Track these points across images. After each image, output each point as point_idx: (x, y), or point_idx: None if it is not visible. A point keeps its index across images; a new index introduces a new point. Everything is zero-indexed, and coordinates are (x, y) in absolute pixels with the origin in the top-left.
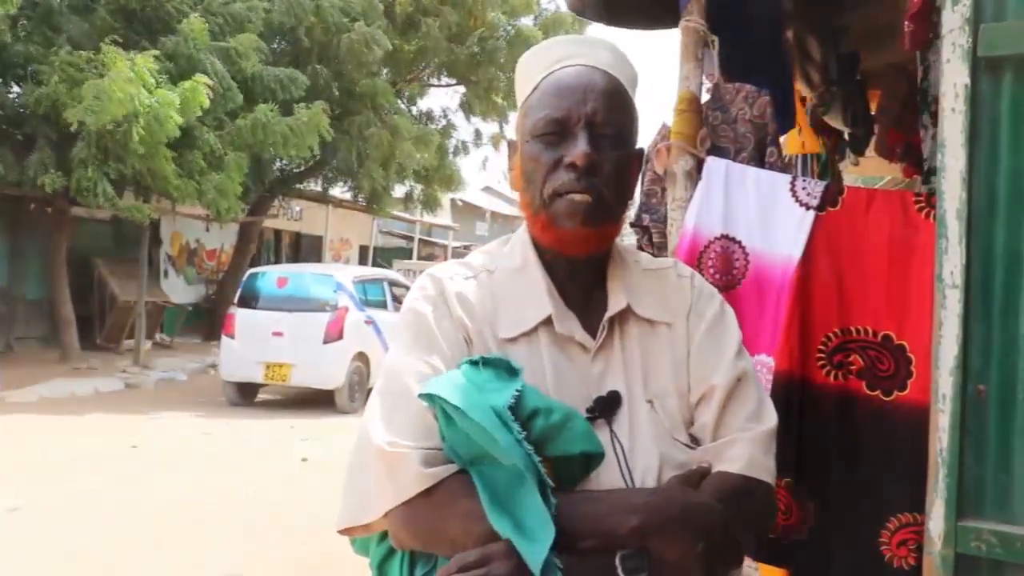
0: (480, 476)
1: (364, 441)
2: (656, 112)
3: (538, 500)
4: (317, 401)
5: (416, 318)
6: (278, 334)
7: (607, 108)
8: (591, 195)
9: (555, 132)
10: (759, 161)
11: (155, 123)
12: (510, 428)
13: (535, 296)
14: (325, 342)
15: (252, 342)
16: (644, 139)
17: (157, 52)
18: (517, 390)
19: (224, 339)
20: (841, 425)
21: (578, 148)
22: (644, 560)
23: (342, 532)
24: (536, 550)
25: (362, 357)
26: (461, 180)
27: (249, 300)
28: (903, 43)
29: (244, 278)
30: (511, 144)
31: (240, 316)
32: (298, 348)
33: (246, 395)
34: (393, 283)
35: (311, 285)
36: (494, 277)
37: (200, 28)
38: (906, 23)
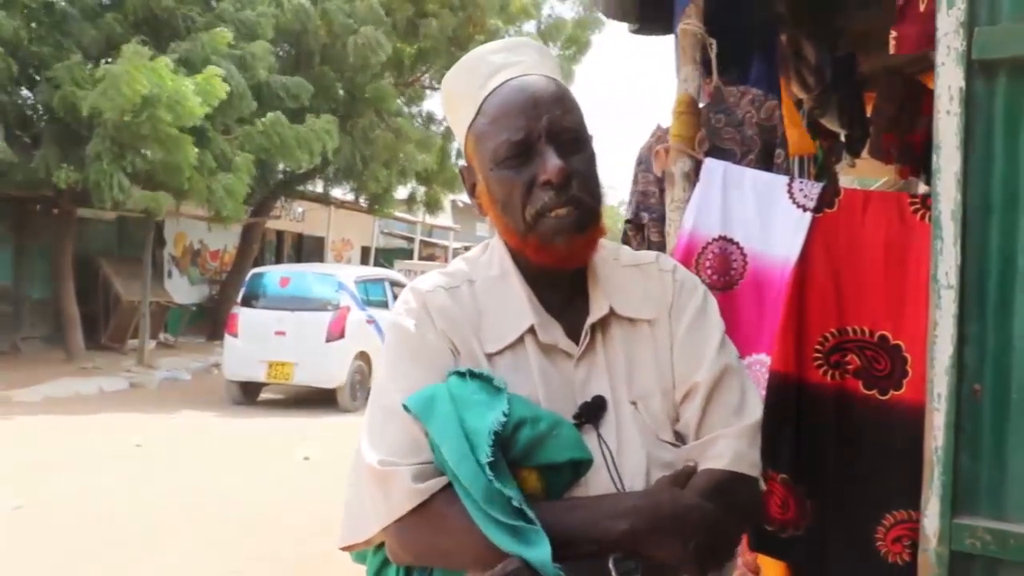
0: (466, 491)
1: (359, 458)
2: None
3: (518, 523)
4: (319, 400)
5: (401, 332)
6: (281, 333)
7: (560, 113)
8: (574, 206)
9: (519, 154)
10: (767, 164)
11: (177, 107)
12: (476, 453)
13: (516, 307)
14: (327, 341)
15: (255, 341)
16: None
17: (172, 56)
18: (505, 413)
19: (227, 338)
20: (838, 424)
21: (549, 164)
22: (637, 562)
23: (344, 549)
24: (539, 553)
25: (364, 356)
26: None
27: (252, 300)
28: (892, 49)
29: (247, 278)
30: (467, 170)
31: (243, 315)
32: (300, 347)
33: (249, 394)
34: (394, 283)
35: (313, 285)
36: (475, 287)
37: (223, 39)
38: (896, 27)
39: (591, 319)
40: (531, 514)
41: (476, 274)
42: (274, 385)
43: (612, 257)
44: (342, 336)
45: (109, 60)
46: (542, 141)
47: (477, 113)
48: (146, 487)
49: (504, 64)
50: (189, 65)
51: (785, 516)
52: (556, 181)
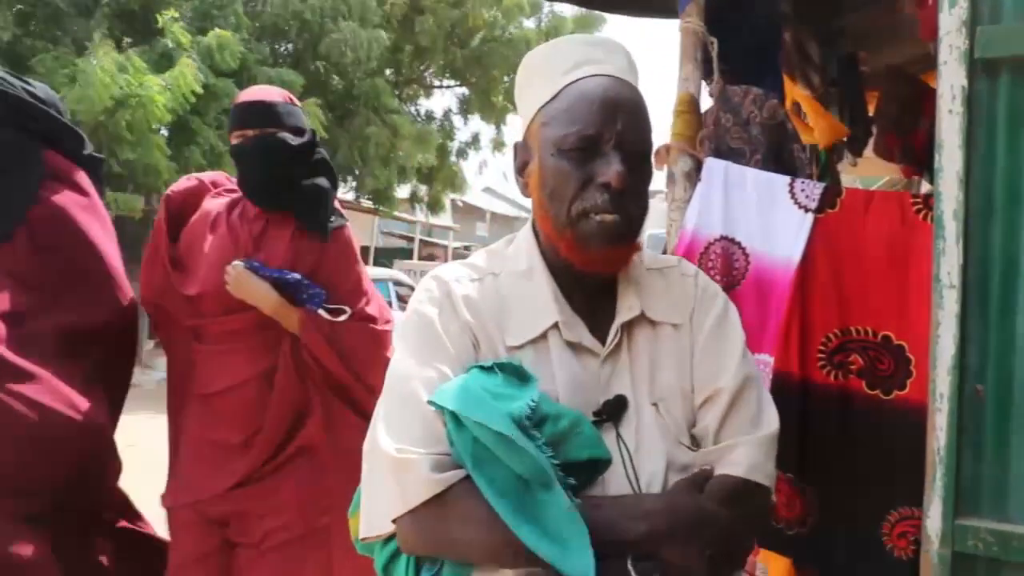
0: (490, 483)
1: (374, 447)
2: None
3: (567, 503)
4: None
5: (422, 321)
6: None
7: (635, 126)
8: (622, 216)
9: (585, 148)
10: (774, 163)
11: (141, 109)
12: (530, 436)
13: (542, 302)
14: None
15: None
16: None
17: (146, 48)
18: (533, 400)
19: None
20: (842, 424)
21: (613, 168)
22: (656, 564)
23: (365, 540)
24: (580, 563)
25: None
26: (464, 181)
27: None
28: (919, 34)
29: None
30: (521, 147)
31: None
32: None
33: None
34: (398, 283)
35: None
36: (500, 280)
37: (179, 30)
38: (919, 12)
39: (622, 319)
40: (578, 501)
41: (500, 267)
42: None
43: (638, 260)
44: None
45: (87, 54)
46: (610, 145)
47: (554, 96)
48: (144, 487)
49: (595, 59)
50: (167, 58)
51: (791, 514)
52: (616, 186)
